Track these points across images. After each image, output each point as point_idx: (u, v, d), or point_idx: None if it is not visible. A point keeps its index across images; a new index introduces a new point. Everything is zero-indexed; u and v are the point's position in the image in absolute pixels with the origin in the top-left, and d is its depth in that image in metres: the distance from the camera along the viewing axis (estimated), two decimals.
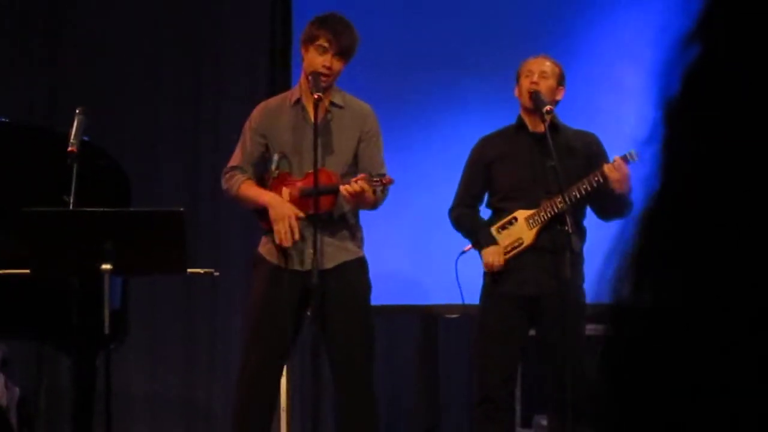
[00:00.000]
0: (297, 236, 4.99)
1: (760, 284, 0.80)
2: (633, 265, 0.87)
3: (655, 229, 0.86)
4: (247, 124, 5.25)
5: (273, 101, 5.31)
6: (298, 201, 5.03)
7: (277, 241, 5.02)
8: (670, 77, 0.86)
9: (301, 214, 5.00)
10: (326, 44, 5.01)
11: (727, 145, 0.82)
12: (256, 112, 5.25)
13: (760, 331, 0.80)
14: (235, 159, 5.23)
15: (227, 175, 5.22)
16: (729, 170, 0.82)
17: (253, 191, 5.13)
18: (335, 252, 5.09)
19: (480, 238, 5.30)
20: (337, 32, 5.02)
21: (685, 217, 0.84)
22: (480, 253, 5.29)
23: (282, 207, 5.01)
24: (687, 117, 0.85)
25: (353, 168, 5.12)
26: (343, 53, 5.03)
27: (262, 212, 5.13)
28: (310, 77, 5.00)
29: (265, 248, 5.16)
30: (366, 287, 5.16)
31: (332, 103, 5.12)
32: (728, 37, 0.84)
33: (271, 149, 5.15)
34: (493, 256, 5.24)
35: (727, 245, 0.81)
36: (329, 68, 5.00)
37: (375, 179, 4.91)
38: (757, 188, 0.81)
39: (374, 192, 4.91)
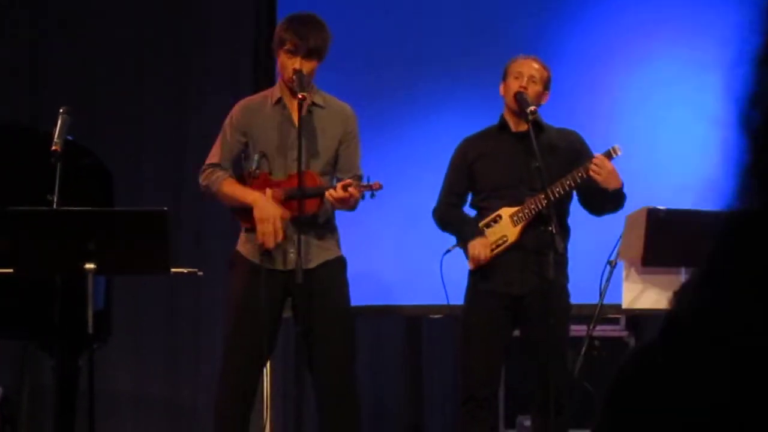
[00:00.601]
0: (281, 237, 4.98)
1: None
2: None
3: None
4: (227, 121, 5.18)
5: (254, 99, 5.28)
6: (282, 202, 5.01)
7: (260, 242, 4.99)
8: (748, 96, 0.85)
9: (287, 216, 4.98)
10: (293, 48, 4.99)
11: None
12: (237, 110, 5.21)
13: None
14: (214, 156, 5.16)
15: (206, 173, 5.15)
16: None
17: (236, 190, 5.08)
18: (317, 251, 5.08)
19: (466, 230, 5.29)
20: (303, 34, 4.99)
21: None
22: (465, 247, 5.28)
23: (267, 207, 4.97)
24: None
25: (331, 167, 5.12)
26: (312, 54, 5.00)
27: (241, 210, 5.11)
28: (294, 76, 4.98)
29: (245, 247, 5.13)
30: (346, 287, 5.16)
31: (313, 103, 5.10)
32: None
33: (251, 148, 5.11)
34: (479, 248, 5.21)
35: None
36: (298, 71, 4.99)
37: (364, 184, 4.89)
38: None
39: (362, 197, 4.90)
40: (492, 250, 5.26)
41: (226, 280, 5.26)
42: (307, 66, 4.99)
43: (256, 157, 5.02)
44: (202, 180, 5.16)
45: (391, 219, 6.24)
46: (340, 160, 5.12)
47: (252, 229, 5.06)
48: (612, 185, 5.07)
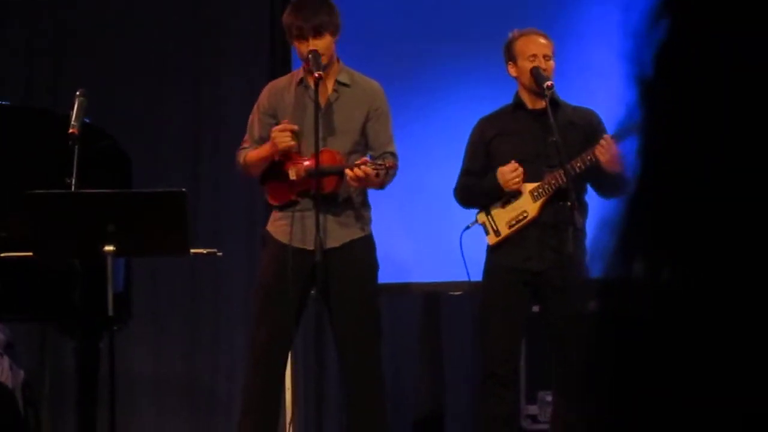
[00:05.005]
0: (293, 141, 5.02)
1: (748, 255, 0.80)
2: (623, 240, 0.87)
3: (642, 205, 0.86)
4: (255, 105, 5.30)
5: (280, 81, 5.33)
6: (303, 180, 5.05)
7: (283, 146, 5.02)
8: (642, 54, 0.84)
9: (295, 127, 5.03)
10: (299, 32, 5.03)
11: (706, 118, 0.81)
12: (264, 93, 5.30)
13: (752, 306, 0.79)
14: (245, 141, 5.28)
15: (237, 155, 5.27)
16: (711, 143, 0.81)
17: (256, 151, 5.17)
18: (341, 231, 5.10)
19: (485, 181, 5.28)
20: (307, 16, 5.03)
21: (669, 192, 0.83)
22: (497, 195, 5.25)
23: (272, 135, 5.04)
24: (663, 93, 0.84)
25: (361, 146, 5.13)
26: (319, 31, 5.03)
27: (268, 185, 5.15)
28: (310, 56, 5.00)
29: (273, 226, 5.19)
30: (372, 266, 5.18)
31: (339, 82, 5.13)
32: (696, 6, 0.83)
33: None
34: (507, 174, 5.19)
35: (713, 220, 0.81)
36: (313, 51, 5.01)
37: (379, 163, 4.90)
38: (740, 162, 0.80)
39: (377, 175, 4.91)
40: (511, 225, 5.26)
41: (249, 262, 5.30)
42: (320, 44, 5.01)
43: None
44: (237, 164, 5.27)
45: (410, 196, 6.23)
46: (369, 138, 5.14)
47: (279, 207, 5.12)
48: (612, 168, 5.06)
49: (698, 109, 0.82)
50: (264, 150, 5.12)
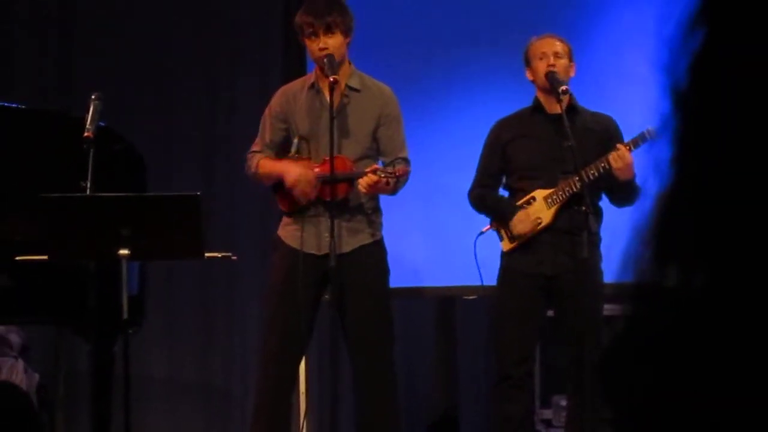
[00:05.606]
0: (312, 195, 5.01)
1: None
2: (657, 247, 0.87)
3: (677, 212, 0.86)
4: (267, 109, 5.28)
5: (292, 85, 5.32)
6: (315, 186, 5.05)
7: (300, 203, 5.02)
8: (677, 64, 0.85)
9: (314, 174, 5.01)
10: (311, 28, 5.02)
11: (741, 127, 0.82)
12: (276, 97, 5.28)
13: None
14: (256, 144, 5.27)
15: (247, 158, 5.26)
16: (746, 153, 0.81)
17: (269, 165, 5.17)
18: (351, 236, 5.09)
19: (505, 210, 5.29)
20: (318, 13, 5.02)
21: (704, 200, 0.83)
22: (505, 225, 5.26)
23: (293, 173, 5.04)
24: (698, 102, 0.85)
25: (372, 151, 5.12)
26: (332, 28, 5.02)
27: (279, 193, 5.15)
28: (325, 60, 4.99)
29: (283, 231, 5.18)
30: (383, 270, 5.17)
31: (349, 87, 5.12)
32: (732, 17, 0.83)
33: (291, 133, 5.17)
34: (524, 224, 5.22)
35: (747, 227, 0.81)
36: (324, 49, 5.00)
37: (389, 171, 4.89)
38: None
39: (387, 183, 4.90)
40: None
41: (264, 265, 5.30)
42: (331, 42, 5.00)
43: (295, 141, 5.09)
44: (246, 167, 5.27)
45: (425, 200, 6.23)
46: (380, 143, 5.13)
47: (290, 212, 5.12)
48: (624, 176, 5.06)
49: (734, 119, 0.82)
50: (277, 170, 5.12)
